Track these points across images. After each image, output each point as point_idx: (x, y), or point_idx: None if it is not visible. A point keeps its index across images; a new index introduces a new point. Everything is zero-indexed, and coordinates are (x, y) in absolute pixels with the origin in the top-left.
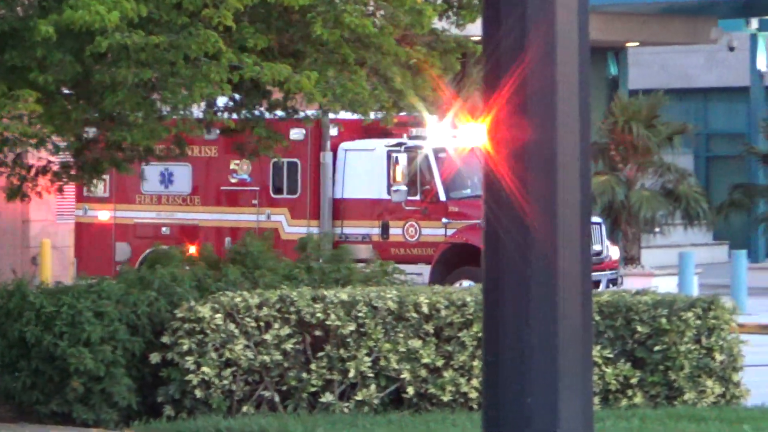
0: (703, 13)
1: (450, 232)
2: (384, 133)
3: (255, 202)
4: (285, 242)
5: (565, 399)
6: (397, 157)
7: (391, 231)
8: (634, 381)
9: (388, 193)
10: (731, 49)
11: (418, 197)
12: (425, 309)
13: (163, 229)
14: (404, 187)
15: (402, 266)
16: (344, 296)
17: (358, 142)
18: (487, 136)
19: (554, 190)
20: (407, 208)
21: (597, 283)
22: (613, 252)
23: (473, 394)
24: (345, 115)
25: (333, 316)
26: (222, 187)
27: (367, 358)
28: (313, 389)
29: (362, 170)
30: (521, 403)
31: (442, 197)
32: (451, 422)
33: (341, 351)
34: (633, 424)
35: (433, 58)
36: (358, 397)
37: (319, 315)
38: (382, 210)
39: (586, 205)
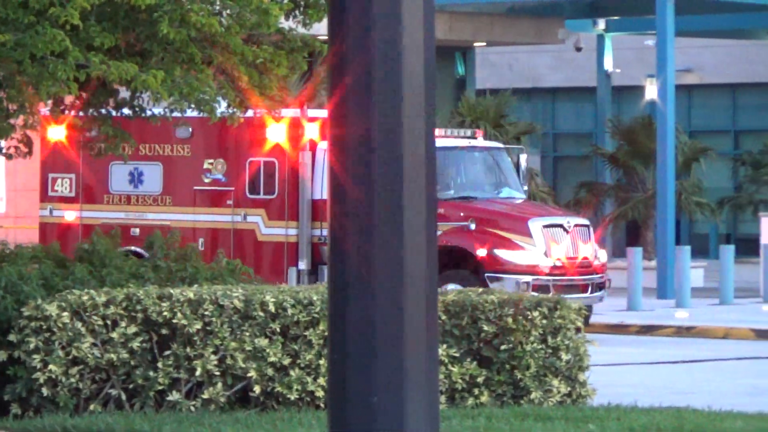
0: (550, 13)
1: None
2: None
3: (230, 202)
4: (262, 243)
5: (411, 398)
6: None
7: None
8: (480, 380)
9: None
10: (578, 49)
11: None
12: (272, 308)
13: (133, 230)
14: None
15: None
16: (191, 295)
17: None
18: (330, 133)
19: (400, 187)
20: None
21: (585, 287)
22: (601, 255)
23: (320, 393)
24: (323, 113)
25: (179, 315)
26: (195, 187)
27: (213, 357)
28: (159, 387)
29: None
30: (367, 402)
31: None
32: (297, 421)
33: (188, 349)
34: (479, 423)
35: (279, 58)
36: (205, 396)
37: (165, 313)
38: None
39: (432, 204)
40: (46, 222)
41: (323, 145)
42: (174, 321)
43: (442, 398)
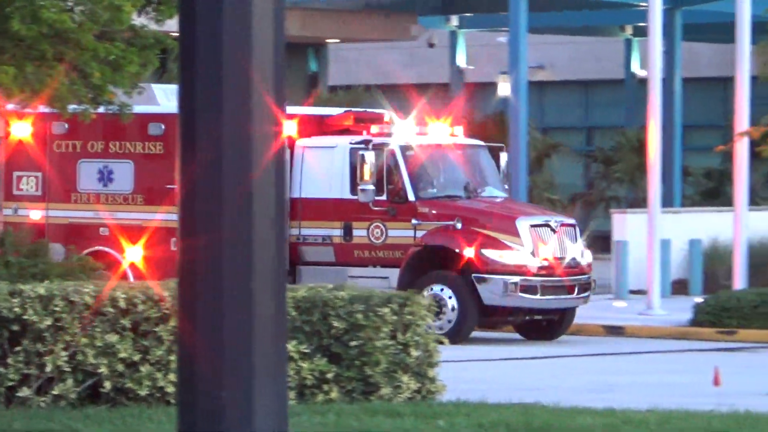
0: (403, 10)
1: (420, 233)
2: (342, 131)
3: None
4: None
5: (260, 393)
6: (363, 155)
7: (355, 232)
8: (330, 376)
9: (352, 192)
10: (431, 46)
11: (384, 197)
12: (122, 304)
13: (102, 229)
14: (372, 187)
15: (367, 269)
16: (42, 291)
17: (317, 138)
18: (180, 130)
19: (249, 185)
20: (373, 208)
21: (572, 288)
22: (587, 256)
23: (170, 389)
24: (301, 110)
25: (30, 311)
26: (168, 186)
27: (64, 353)
28: (10, 383)
29: (322, 168)
30: (216, 398)
31: (411, 197)
32: (147, 417)
33: (38, 345)
34: (328, 419)
35: (131, 54)
36: (56, 392)
37: (16, 309)
38: (345, 210)
39: (280, 200)
40: (11, 221)
41: (302, 143)
42: (25, 317)
43: (292, 394)
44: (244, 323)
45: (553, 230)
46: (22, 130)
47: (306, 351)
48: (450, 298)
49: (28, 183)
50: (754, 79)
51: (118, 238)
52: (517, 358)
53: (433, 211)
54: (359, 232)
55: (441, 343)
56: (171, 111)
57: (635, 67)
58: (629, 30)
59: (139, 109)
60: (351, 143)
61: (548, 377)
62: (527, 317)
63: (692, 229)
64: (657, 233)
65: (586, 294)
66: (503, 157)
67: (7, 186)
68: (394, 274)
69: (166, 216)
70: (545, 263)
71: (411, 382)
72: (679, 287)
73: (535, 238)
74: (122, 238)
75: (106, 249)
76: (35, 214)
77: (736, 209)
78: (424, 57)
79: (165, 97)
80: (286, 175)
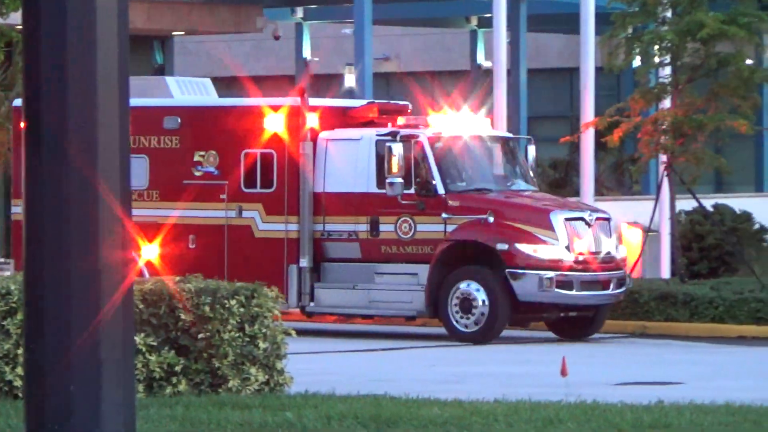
0: (248, 2)
1: (450, 228)
2: (365, 122)
3: (223, 196)
4: (259, 240)
5: (108, 386)
6: (390, 147)
7: (382, 227)
8: (178, 368)
9: (378, 185)
10: (276, 38)
11: (412, 190)
12: None
13: None
14: (400, 180)
15: (395, 266)
16: None
17: (341, 131)
18: (25, 123)
19: (95, 179)
20: (402, 202)
21: (607, 284)
22: (621, 251)
23: (18, 383)
24: (323, 102)
25: None
26: (185, 181)
27: None
28: None
29: (346, 161)
30: (64, 391)
31: (441, 190)
32: None
33: None
34: (176, 412)
35: None
36: None
37: None
38: (371, 204)
39: (126, 195)
40: (18, 220)
41: (325, 135)
42: None
43: (140, 387)
44: (91, 317)
45: (588, 224)
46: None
47: (153, 344)
48: (480, 294)
49: None
50: (599, 70)
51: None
52: (366, 350)
53: (464, 205)
54: (386, 227)
55: (288, 334)
56: (187, 104)
57: (481, 58)
58: (474, 21)
59: (153, 102)
60: (377, 135)
61: (399, 368)
62: (561, 314)
63: None
64: None
65: (621, 289)
66: (531, 149)
67: (15, 183)
68: (423, 270)
69: (183, 212)
70: (580, 258)
71: (259, 374)
72: None
73: (570, 232)
74: (137, 235)
75: None
76: None
77: (582, 199)
78: (270, 49)
79: (179, 90)
80: (129, 168)
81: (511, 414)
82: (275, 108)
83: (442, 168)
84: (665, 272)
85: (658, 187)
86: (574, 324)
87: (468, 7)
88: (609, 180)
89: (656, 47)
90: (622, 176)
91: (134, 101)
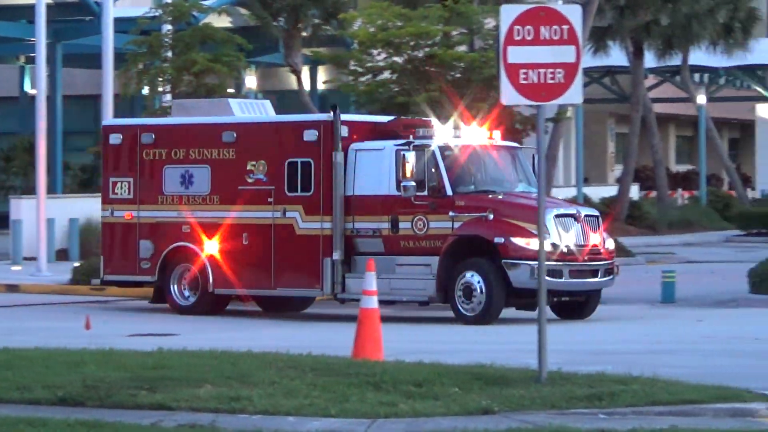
0: None
1: (457, 225)
2: (392, 135)
3: (270, 200)
4: (300, 237)
5: None
6: (405, 155)
7: (401, 225)
8: None
9: (397, 189)
10: None
11: (426, 192)
12: None
13: (184, 227)
14: (413, 183)
15: (412, 257)
16: None
17: (368, 142)
18: None
19: None
20: (416, 202)
21: (595, 272)
22: (609, 243)
23: None
24: (355, 117)
25: None
26: (239, 187)
27: None
28: None
29: (372, 168)
30: None
31: (449, 192)
32: None
33: None
34: None
35: None
36: None
37: None
38: (392, 205)
39: None
40: (108, 222)
41: (355, 146)
42: None
43: None
44: None
45: (576, 220)
46: (116, 141)
47: None
48: (479, 283)
49: (122, 188)
50: (117, 96)
51: (197, 234)
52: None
53: (468, 204)
54: (404, 225)
55: None
56: (241, 120)
57: (28, 87)
58: (23, 58)
59: (213, 119)
60: (395, 145)
61: None
62: (554, 298)
63: (71, 211)
64: (44, 214)
65: (609, 277)
66: (536, 158)
67: (104, 191)
68: (435, 262)
69: (238, 213)
70: (569, 250)
71: None
72: (62, 255)
73: (559, 227)
74: (201, 234)
75: (188, 244)
76: (128, 215)
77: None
78: None
79: (240, 110)
80: None
81: (46, 358)
82: (313, 123)
83: (451, 173)
84: None
85: None
86: (571, 308)
87: (18, 48)
88: None
89: (160, 79)
90: None
91: (199, 119)
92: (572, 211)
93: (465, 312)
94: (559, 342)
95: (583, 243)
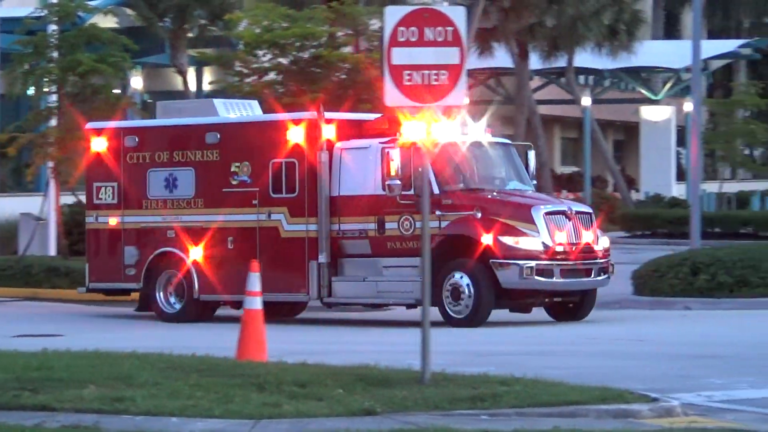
0: None
1: (444, 224)
2: (379, 133)
3: (255, 202)
4: (285, 240)
5: None
6: (389, 152)
7: (387, 225)
8: None
9: (383, 188)
10: None
11: (412, 191)
12: None
13: (169, 232)
14: (398, 181)
15: (399, 259)
16: None
17: (353, 141)
18: None
19: None
20: (401, 202)
21: (588, 271)
22: (603, 242)
23: None
24: (339, 115)
25: None
26: (224, 189)
27: None
28: None
29: (357, 168)
30: None
31: (435, 190)
32: None
33: None
34: None
35: None
36: None
37: None
38: (378, 205)
39: None
40: (93, 228)
41: (340, 145)
42: None
43: None
44: None
45: (568, 217)
46: (99, 145)
47: None
48: (467, 284)
49: (106, 192)
50: (2, 96)
51: (182, 239)
52: None
53: (455, 203)
54: (391, 225)
55: None
56: (224, 121)
57: None
58: None
59: (196, 120)
60: (380, 143)
61: None
62: (546, 299)
63: None
64: None
65: (604, 276)
66: (531, 155)
67: (88, 196)
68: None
69: (222, 217)
70: (560, 248)
71: None
72: None
73: (550, 225)
74: (186, 239)
75: (173, 249)
76: (113, 221)
77: None
78: None
79: (225, 110)
80: None
81: None
82: (296, 122)
83: (438, 171)
84: (52, 251)
85: (47, 186)
86: (567, 309)
87: None
88: (10, 180)
89: (45, 79)
90: (21, 177)
91: (182, 120)
92: (563, 208)
93: (453, 314)
94: (445, 344)
95: (575, 241)
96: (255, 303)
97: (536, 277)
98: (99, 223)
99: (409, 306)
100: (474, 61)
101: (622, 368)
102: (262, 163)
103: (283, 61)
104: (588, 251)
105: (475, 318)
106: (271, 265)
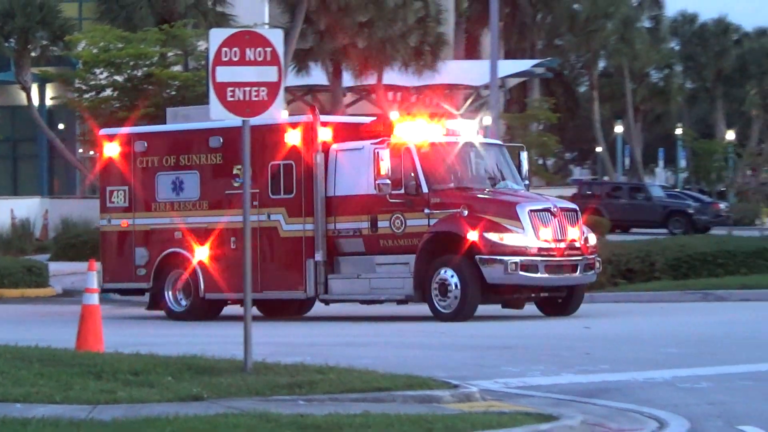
0: None
1: (432, 222)
2: (375, 135)
3: (255, 203)
4: (284, 239)
5: None
6: (380, 153)
7: (379, 224)
8: None
9: (375, 188)
10: None
11: (402, 190)
12: None
13: (176, 233)
14: (388, 180)
15: (391, 256)
16: None
17: (348, 143)
18: None
19: None
20: (392, 201)
21: (574, 267)
22: (590, 238)
23: None
24: (336, 118)
25: None
26: (227, 192)
27: None
28: None
29: (351, 169)
30: None
31: (425, 189)
32: None
33: None
34: None
35: None
36: None
37: None
38: (370, 204)
39: None
40: (106, 230)
41: (335, 147)
42: None
43: None
44: None
45: (553, 214)
46: (111, 150)
47: None
48: (454, 279)
49: (118, 196)
50: None
51: (188, 240)
52: None
53: (443, 201)
54: (383, 224)
55: None
56: (225, 125)
57: None
58: None
59: (200, 125)
60: (372, 144)
61: None
62: (533, 294)
63: None
64: None
65: (590, 272)
66: (524, 156)
67: (101, 200)
68: (412, 260)
69: (225, 218)
70: (545, 244)
71: None
72: None
73: (535, 222)
74: (192, 239)
75: (180, 250)
76: (124, 224)
77: None
78: None
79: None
80: None
81: None
82: (293, 125)
83: (427, 170)
84: None
85: None
86: (557, 304)
87: None
88: None
89: None
90: None
91: (187, 125)
92: (548, 205)
93: (441, 309)
94: (267, 335)
95: (560, 237)
96: (93, 299)
97: (521, 273)
98: (111, 226)
99: (400, 302)
100: (292, 79)
101: (426, 358)
102: (261, 165)
103: (119, 78)
104: (573, 247)
105: (462, 313)
106: (271, 264)
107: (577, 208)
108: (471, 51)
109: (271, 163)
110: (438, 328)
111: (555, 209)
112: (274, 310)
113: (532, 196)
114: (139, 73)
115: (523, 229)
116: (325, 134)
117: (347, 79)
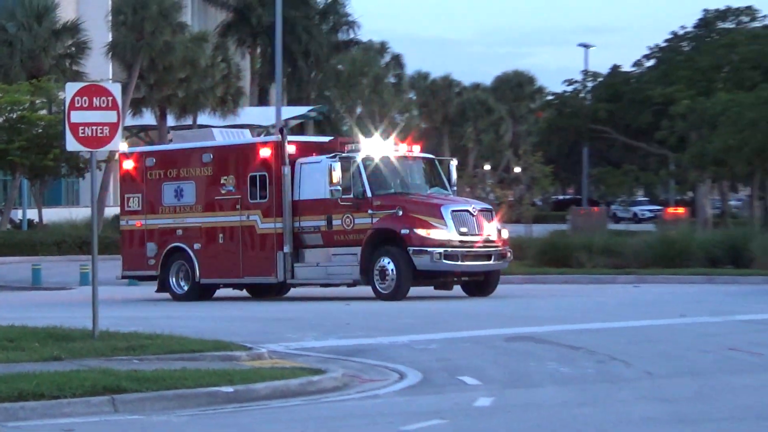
0: None
1: (375, 220)
2: (332, 151)
3: (238, 206)
4: (260, 235)
5: None
6: (332, 165)
7: (334, 222)
8: None
9: (330, 194)
10: None
11: (351, 195)
12: None
13: (178, 231)
14: (339, 188)
15: (343, 248)
16: None
17: (309, 157)
18: None
19: None
20: (343, 203)
21: (489, 256)
22: (503, 233)
23: None
24: (301, 138)
25: None
26: (216, 197)
27: None
28: None
29: (312, 178)
30: None
31: (369, 194)
32: None
33: None
34: None
35: None
36: None
37: None
38: (327, 207)
39: None
40: (125, 229)
41: (299, 161)
42: None
43: None
44: None
45: (472, 214)
46: (128, 165)
47: None
48: (391, 267)
49: (133, 201)
50: None
51: (187, 236)
52: None
53: (383, 204)
54: (336, 222)
55: None
56: (214, 144)
57: None
58: None
59: (194, 144)
60: (327, 158)
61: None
62: (455, 278)
63: None
64: None
65: (502, 261)
66: (452, 166)
67: (121, 204)
68: (359, 251)
69: (215, 219)
70: (464, 238)
71: None
72: None
73: (456, 220)
74: (190, 236)
75: (181, 244)
76: (138, 223)
77: None
78: None
79: (221, 136)
80: None
81: None
82: (265, 144)
83: (371, 179)
84: None
85: None
86: (477, 286)
87: None
88: None
89: None
90: None
91: (185, 144)
92: (467, 207)
93: (381, 290)
94: (113, 312)
95: (477, 232)
96: None
97: (444, 261)
98: (129, 225)
99: (350, 285)
100: (129, 120)
101: (229, 328)
102: (242, 176)
103: None
104: (488, 240)
105: (398, 293)
106: (250, 254)
107: (492, 208)
108: (262, 99)
109: (250, 174)
110: (243, 306)
111: (474, 210)
112: (260, 293)
113: (456, 199)
114: (14, 116)
115: (446, 225)
116: (291, 150)
117: (170, 120)
